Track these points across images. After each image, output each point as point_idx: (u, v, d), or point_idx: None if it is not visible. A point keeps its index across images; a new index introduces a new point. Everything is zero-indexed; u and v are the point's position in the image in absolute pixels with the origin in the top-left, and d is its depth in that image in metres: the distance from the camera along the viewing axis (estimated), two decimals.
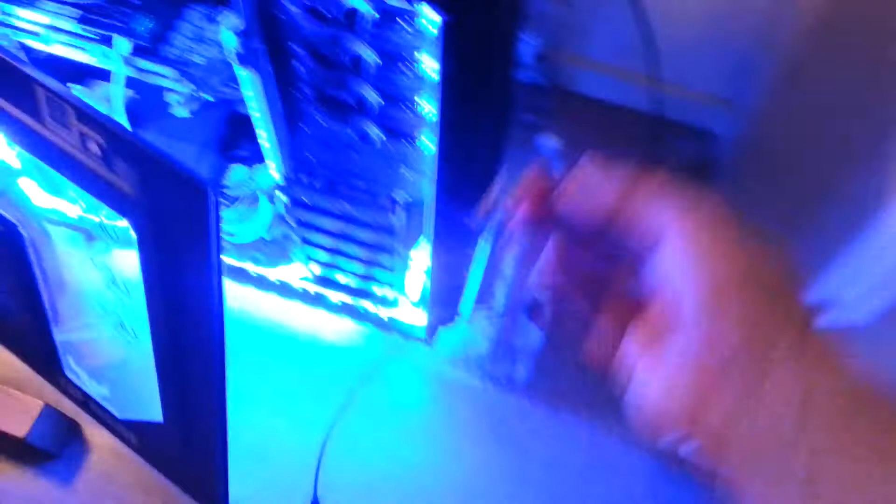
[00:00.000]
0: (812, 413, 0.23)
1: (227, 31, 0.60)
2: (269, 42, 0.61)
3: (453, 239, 0.79)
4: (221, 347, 0.47)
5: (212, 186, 0.41)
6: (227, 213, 0.99)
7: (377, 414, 0.99)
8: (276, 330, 1.04)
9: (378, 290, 0.96)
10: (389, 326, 0.99)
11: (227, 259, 1.00)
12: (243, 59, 0.62)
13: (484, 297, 1.00)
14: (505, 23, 0.57)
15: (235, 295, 1.03)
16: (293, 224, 0.87)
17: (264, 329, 1.04)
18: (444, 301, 0.90)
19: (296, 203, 0.83)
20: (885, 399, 0.24)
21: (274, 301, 1.02)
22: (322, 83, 0.64)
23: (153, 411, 0.67)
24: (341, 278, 0.96)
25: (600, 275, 0.31)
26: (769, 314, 0.24)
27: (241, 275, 1.01)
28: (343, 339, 1.04)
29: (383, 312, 0.98)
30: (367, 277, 0.95)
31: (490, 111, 0.65)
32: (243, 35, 0.60)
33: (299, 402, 1.00)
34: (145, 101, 0.99)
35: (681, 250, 0.26)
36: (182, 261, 0.47)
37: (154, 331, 0.59)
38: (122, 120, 0.92)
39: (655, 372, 0.27)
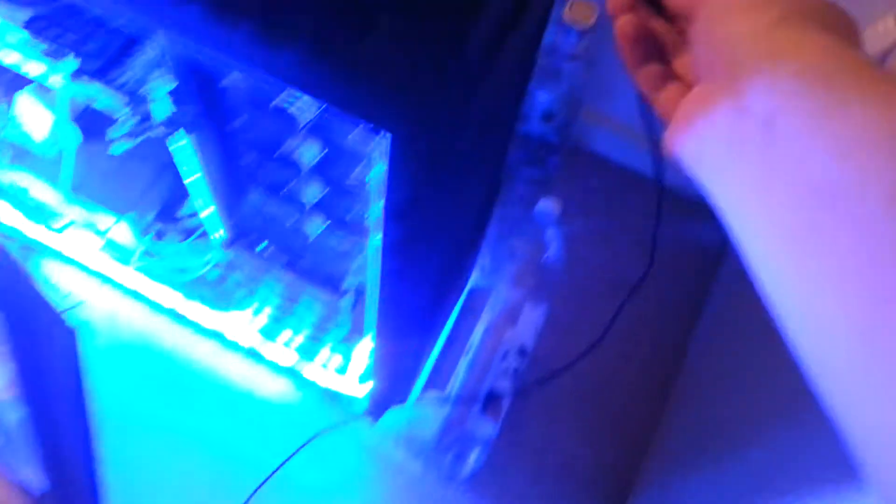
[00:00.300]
0: (774, 81, 0.25)
1: (161, 89, 0.52)
2: (206, 108, 0.52)
3: (403, 329, 0.71)
4: (89, 447, 0.44)
5: (74, 330, 0.34)
6: (179, 247, 0.91)
7: (304, 486, 0.91)
8: (213, 378, 0.96)
9: (324, 356, 0.88)
10: (332, 395, 0.91)
11: (173, 295, 0.92)
12: (174, 120, 0.54)
13: (438, 381, 0.91)
14: (472, 135, 0.49)
15: (176, 336, 0.96)
16: (236, 279, 0.79)
17: (201, 375, 0.96)
18: (391, 382, 0.82)
19: (238, 261, 0.75)
20: (854, 56, 0.25)
21: (214, 348, 0.94)
22: (262, 165, 0.56)
23: (37, 473, 0.63)
24: (286, 337, 0.88)
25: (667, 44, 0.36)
26: (755, 22, 0.27)
27: (182, 316, 0.92)
28: (283, 400, 0.95)
29: (327, 380, 0.90)
30: (313, 341, 0.87)
31: (450, 216, 0.57)
32: (175, 95, 0.52)
33: (225, 459, 0.92)
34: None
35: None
36: (49, 373, 0.40)
37: (27, 407, 0.53)
38: (69, 131, 0.84)
39: (679, 107, 0.30)
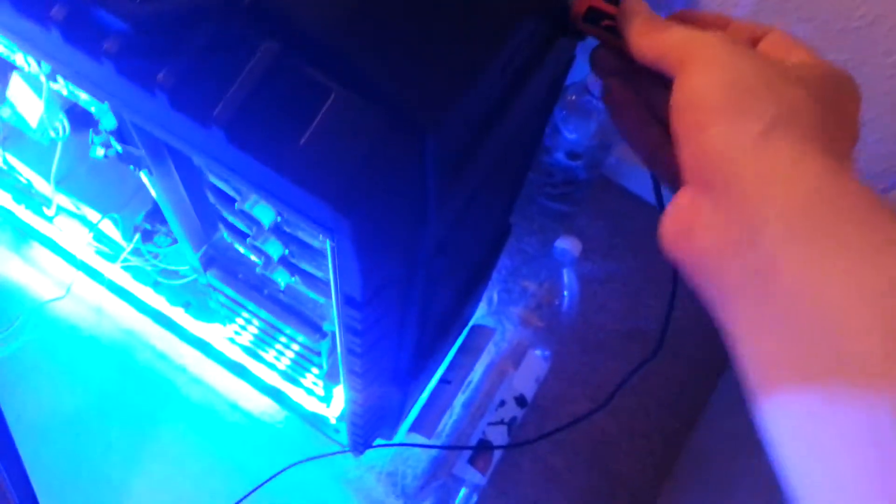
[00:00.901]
0: (771, 206, 0.23)
1: (108, 122, 0.46)
2: (153, 151, 0.46)
3: (375, 385, 0.64)
4: None
5: None
6: (167, 250, 0.86)
7: None
8: (195, 385, 0.91)
9: (310, 380, 0.82)
10: (318, 420, 0.86)
11: (157, 299, 0.87)
12: (122, 157, 0.47)
13: (431, 416, 0.85)
14: (449, 223, 0.41)
15: (160, 339, 0.91)
16: (218, 297, 0.73)
17: (183, 381, 0.91)
18: (369, 426, 0.76)
19: (217, 284, 0.69)
20: (851, 190, 0.23)
21: (199, 356, 0.89)
22: (225, 210, 0.49)
23: None
24: (269, 357, 0.82)
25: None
26: (743, 130, 0.25)
27: (166, 320, 0.88)
28: (267, 418, 0.91)
29: (313, 405, 0.84)
30: (296, 366, 0.81)
31: (426, 288, 0.49)
32: (117, 136, 0.45)
33: (198, 473, 0.88)
34: None
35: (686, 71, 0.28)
36: None
37: None
38: (59, 122, 0.78)
39: (671, 210, 0.28)
